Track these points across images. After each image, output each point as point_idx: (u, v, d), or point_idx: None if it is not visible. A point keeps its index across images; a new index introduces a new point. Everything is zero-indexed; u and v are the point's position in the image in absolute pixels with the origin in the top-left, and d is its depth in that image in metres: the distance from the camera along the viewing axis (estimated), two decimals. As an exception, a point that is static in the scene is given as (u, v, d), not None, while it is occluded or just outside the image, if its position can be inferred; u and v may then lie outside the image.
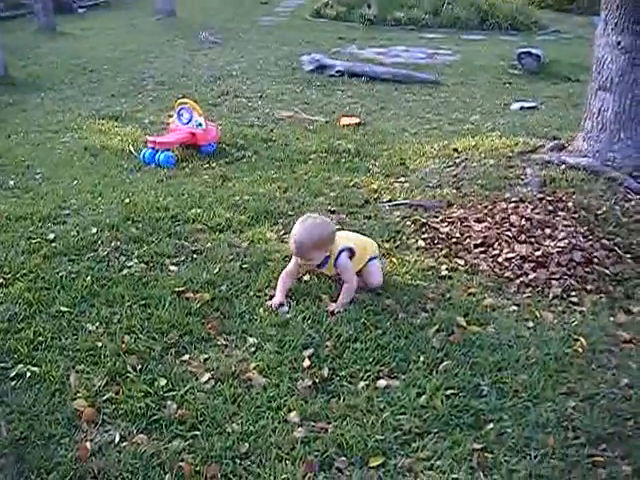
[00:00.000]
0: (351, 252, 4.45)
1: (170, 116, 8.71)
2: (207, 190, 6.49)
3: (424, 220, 5.78)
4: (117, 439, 3.21)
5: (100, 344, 3.91)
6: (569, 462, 3.10)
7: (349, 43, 16.91)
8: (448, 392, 3.52)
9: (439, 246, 5.35)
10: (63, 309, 4.28)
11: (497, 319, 4.30)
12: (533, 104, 10.74)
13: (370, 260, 4.61)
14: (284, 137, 8.66)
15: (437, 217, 5.90)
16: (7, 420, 3.34)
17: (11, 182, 6.95)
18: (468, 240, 5.39)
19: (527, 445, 3.20)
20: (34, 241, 5.22)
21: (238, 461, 3.07)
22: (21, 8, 21.51)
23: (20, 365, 3.73)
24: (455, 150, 7.82)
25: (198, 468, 3.03)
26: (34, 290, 4.48)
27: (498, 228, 5.49)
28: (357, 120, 9.55)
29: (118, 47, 16.45)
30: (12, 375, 3.66)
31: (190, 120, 7.92)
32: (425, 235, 5.54)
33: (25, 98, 11.62)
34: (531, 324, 4.26)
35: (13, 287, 4.53)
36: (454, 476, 2.99)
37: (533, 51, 13.40)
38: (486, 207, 5.97)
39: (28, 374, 3.65)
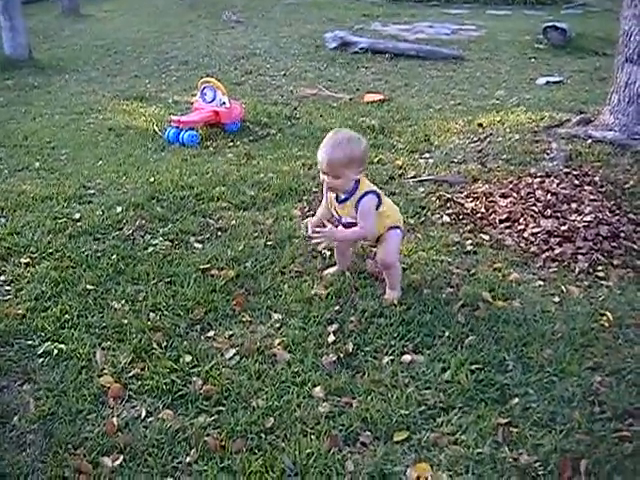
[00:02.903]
0: (379, 200, 3.98)
1: (194, 95, 8.72)
2: (231, 168, 6.50)
3: (449, 196, 5.76)
4: (143, 415, 3.24)
5: (126, 321, 3.95)
6: (595, 437, 3.07)
7: (372, 20, 16.80)
8: (473, 367, 3.51)
9: (464, 221, 5.32)
10: (89, 287, 4.32)
11: (523, 294, 4.27)
12: (559, 78, 10.61)
13: (391, 229, 4.12)
14: (308, 115, 8.65)
15: (462, 192, 5.87)
16: (35, 397, 3.38)
17: (37, 163, 7.00)
18: (493, 215, 5.36)
19: (552, 420, 3.18)
20: (60, 221, 5.27)
21: (263, 436, 3.09)
22: (45, -9, 21.55)
23: (47, 343, 3.76)
24: (480, 125, 7.78)
25: (223, 443, 3.04)
26: (60, 269, 4.52)
27: (523, 203, 5.45)
28: (381, 97, 9.49)
29: (141, 28, 16.47)
30: (39, 353, 3.70)
31: (214, 99, 7.93)
32: (450, 210, 5.52)
33: (49, 80, 11.70)
34: (557, 299, 4.22)
35: (39, 266, 4.58)
36: (479, 450, 2.98)
37: (559, 25, 13.21)
38: (511, 182, 5.93)
39: (55, 351, 3.69)
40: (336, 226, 4.09)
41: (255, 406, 3.26)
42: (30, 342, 3.80)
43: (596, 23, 15.37)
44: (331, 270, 4.46)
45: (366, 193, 3.92)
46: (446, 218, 5.37)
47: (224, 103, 7.87)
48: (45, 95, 10.70)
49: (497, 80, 10.79)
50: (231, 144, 7.46)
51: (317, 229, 4.04)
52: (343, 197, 3.98)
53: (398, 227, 4.16)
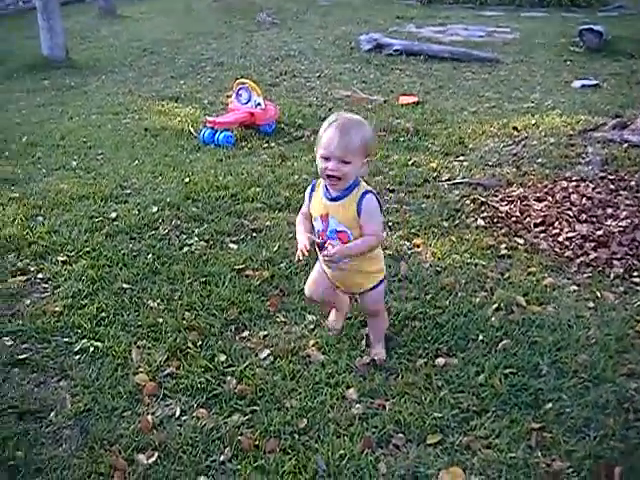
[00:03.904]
0: (379, 204, 3.45)
1: (229, 96, 8.77)
2: (266, 169, 6.54)
3: (483, 199, 5.75)
4: (178, 413, 3.27)
5: (161, 320, 3.98)
6: (629, 444, 3.05)
7: (407, 22, 16.77)
8: (507, 371, 3.50)
9: (498, 225, 5.31)
10: (125, 286, 4.37)
11: (557, 299, 4.25)
12: (595, 82, 10.52)
13: (382, 282, 3.64)
14: (342, 117, 8.63)
15: (497, 196, 5.86)
16: (71, 393, 3.42)
17: (74, 162, 7.08)
18: (528, 219, 5.34)
19: (586, 425, 3.15)
20: (96, 220, 5.33)
21: (297, 436, 3.10)
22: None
23: (84, 340, 3.81)
24: (515, 129, 7.76)
25: (257, 442, 3.06)
26: (97, 267, 4.58)
27: (558, 207, 5.43)
28: (415, 99, 9.49)
29: (177, 29, 16.58)
30: (76, 350, 3.75)
31: (249, 100, 7.97)
32: (484, 214, 5.51)
33: (86, 81, 11.84)
34: (592, 304, 4.19)
35: (77, 264, 4.63)
36: (512, 455, 2.97)
37: (595, 27, 13.10)
38: (546, 186, 5.91)
39: (91, 349, 3.73)
40: (321, 245, 3.47)
41: (289, 406, 3.27)
42: (67, 339, 3.85)
43: (633, 26, 15.22)
44: (330, 320, 3.96)
45: (367, 192, 3.37)
46: (480, 221, 5.36)
47: (259, 104, 7.91)
48: (82, 95, 10.82)
49: (532, 83, 10.73)
50: (266, 145, 7.49)
51: (327, 252, 3.39)
52: (338, 194, 3.38)
53: (385, 279, 3.68)
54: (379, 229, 3.46)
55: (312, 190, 3.54)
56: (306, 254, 3.37)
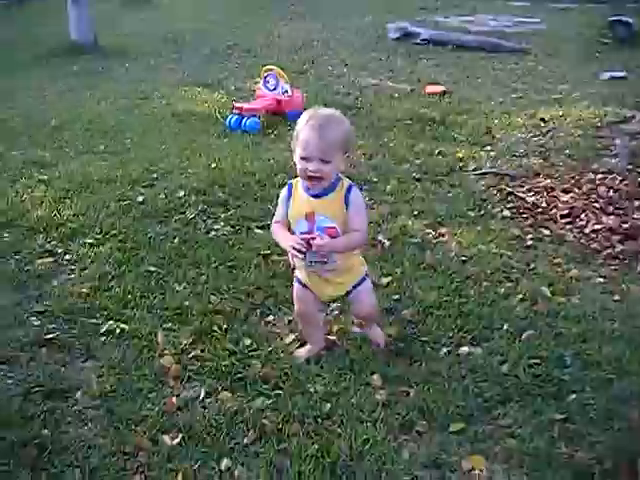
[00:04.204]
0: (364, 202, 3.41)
1: (256, 83, 8.78)
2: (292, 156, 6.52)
3: (510, 189, 5.74)
4: (202, 395, 3.29)
5: (187, 303, 4.01)
6: (653, 436, 3.05)
7: (434, 11, 16.70)
8: (531, 361, 3.49)
9: (524, 216, 5.30)
10: (151, 269, 4.40)
11: (582, 290, 4.23)
12: (623, 74, 10.42)
13: (365, 279, 3.52)
14: (369, 105, 8.66)
15: (523, 186, 5.84)
16: (97, 374, 3.45)
17: (101, 146, 7.13)
18: (554, 210, 5.33)
19: (610, 418, 3.13)
20: (124, 203, 5.37)
21: (320, 421, 3.11)
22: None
23: (110, 322, 3.85)
24: (542, 120, 7.73)
25: (281, 426, 3.07)
26: (124, 250, 4.62)
27: (585, 199, 5.41)
28: (442, 88, 9.45)
29: (204, 16, 16.62)
30: (102, 331, 3.79)
31: (276, 87, 7.98)
32: (511, 204, 5.50)
33: (114, 66, 11.89)
34: (617, 297, 4.17)
35: (104, 247, 4.68)
36: (534, 445, 2.96)
37: (624, 19, 12.98)
38: (573, 178, 5.89)
39: (117, 330, 3.78)
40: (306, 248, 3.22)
41: (313, 391, 3.28)
42: (93, 320, 3.89)
43: (663, 17, 15.06)
44: (303, 351, 3.62)
45: (352, 185, 3.29)
46: (506, 212, 5.35)
47: (286, 91, 7.92)
48: (109, 80, 10.87)
49: (560, 74, 10.66)
50: (292, 132, 7.46)
51: (317, 241, 3.18)
52: (320, 191, 3.23)
53: (368, 275, 3.55)
54: (365, 225, 3.35)
55: (289, 194, 3.36)
56: (303, 248, 3.19)
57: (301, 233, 3.24)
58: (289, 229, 3.36)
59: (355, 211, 3.25)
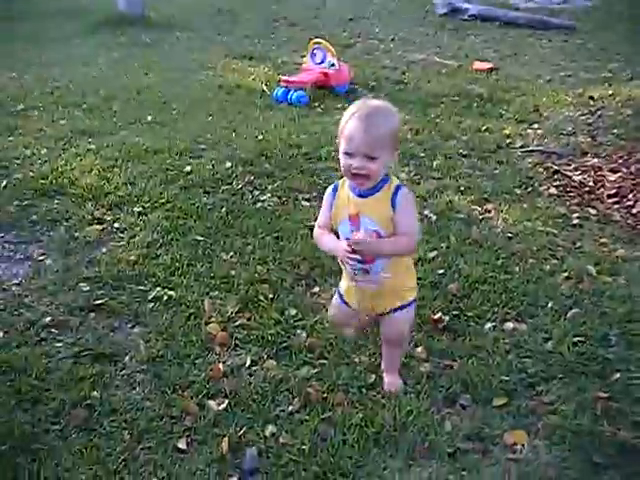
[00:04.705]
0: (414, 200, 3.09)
1: (303, 56, 8.78)
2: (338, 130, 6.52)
3: (557, 167, 5.70)
4: (248, 363, 3.33)
5: (234, 273, 4.05)
6: (698, 418, 3.02)
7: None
8: (575, 339, 3.47)
9: (571, 194, 5.26)
10: (199, 238, 4.45)
11: (628, 270, 4.20)
12: (677, 52, 10.25)
13: (413, 302, 3.18)
14: (416, 80, 8.62)
15: (570, 165, 5.80)
16: (145, 339, 3.51)
17: (149, 117, 7.17)
18: (601, 190, 5.29)
19: (654, 397, 3.12)
20: (171, 173, 5.42)
21: (364, 391, 3.14)
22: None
23: (158, 288, 3.91)
24: (591, 98, 7.64)
25: (325, 395, 3.10)
26: (171, 219, 4.67)
27: (633, 179, 5.36)
28: (490, 65, 9.38)
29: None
30: (150, 298, 3.85)
31: (323, 60, 7.97)
32: (557, 183, 5.46)
33: (162, 37, 11.93)
34: (664, 277, 4.13)
35: (152, 215, 4.73)
36: (577, 422, 2.95)
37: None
38: (621, 157, 5.83)
39: (165, 297, 3.83)
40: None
41: (357, 361, 3.31)
42: (141, 287, 3.94)
43: None
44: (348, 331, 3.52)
45: (400, 185, 2.96)
46: (553, 190, 5.32)
47: (333, 65, 7.90)
48: (157, 52, 10.93)
49: (609, 52, 10.51)
50: (339, 106, 7.47)
51: (356, 236, 2.88)
52: (366, 191, 2.94)
53: (413, 303, 3.19)
54: (415, 227, 3.00)
55: (334, 195, 3.10)
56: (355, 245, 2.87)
57: (346, 238, 2.93)
58: (335, 233, 3.09)
59: (403, 213, 2.90)
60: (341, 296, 3.31)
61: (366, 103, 2.92)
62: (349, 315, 3.37)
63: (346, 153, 2.87)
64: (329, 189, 3.14)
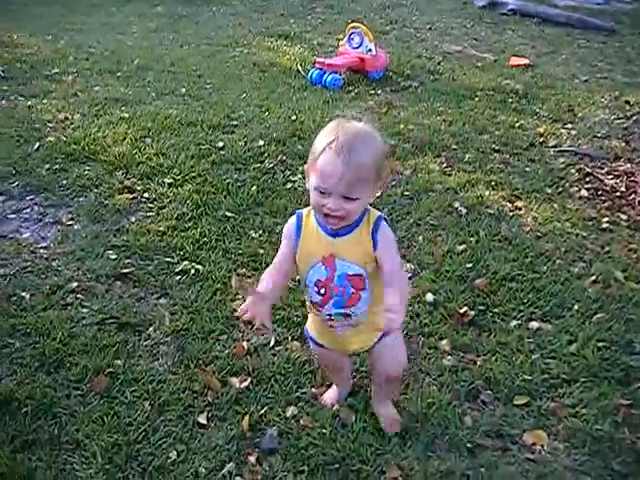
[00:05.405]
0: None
1: (339, 39, 8.74)
2: (372, 115, 6.46)
3: (589, 170, 5.64)
4: (272, 343, 3.33)
5: (262, 251, 4.06)
6: None
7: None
8: (600, 344, 3.44)
9: (602, 198, 5.21)
10: (228, 214, 4.46)
11: (657, 279, 4.16)
12: None
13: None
14: (451, 71, 8.55)
15: (603, 168, 5.73)
16: (170, 311, 3.53)
17: (183, 89, 7.17)
18: (633, 195, 5.22)
19: (677, 409, 3.10)
20: (203, 147, 5.42)
21: (387, 379, 3.13)
22: None
23: (185, 262, 3.92)
24: (627, 102, 7.55)
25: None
26: (202, 193, 4.67)
27: (666, 187, 5.30)
28: (526, 61, 9.29)
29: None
30: (177, 270, 3.86)
31: (360, 45, 7.92)
32: (589, 185, 5.40)
33: (197, 11, 11.93)
34: (693, 289, 4.09)
35: (182, 188, 4.74)
36: (598, 427, 2.93)
37: None
38: (656, 164, 5.76)
39: (192, 271, 3.84)
40: (319, 303, 2.51)
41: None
42: (169, 259, 3.96)
43: None
44: (331, 395, 3.03)
45: (381, 217, 2.44)
46: (584, 192, 5.26)
47: (370, 50, 7.86)
48: (193, 25, 10.92)
49: (649, 57, 10.38)
50: (372, 92, 7.45)
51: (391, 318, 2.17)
52: (344, 228, 2.40)
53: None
54: (400, 259, 2.56)
55: (298, 229, 2.50)
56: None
57: (317, 282, 2.46)
58: (297, 278, 2.61)
59: (386, 248, 2.40)
60: (313, 340, 2.79)
61: (344, 129, 2.27)
62: (334, 356, 2.83)
63: (320, 191, 2.28)
64: (290, 222, 2.53)
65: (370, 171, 2.26)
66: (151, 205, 4.56)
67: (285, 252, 2.50)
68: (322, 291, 2.47)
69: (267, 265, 3.52)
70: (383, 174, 2.36)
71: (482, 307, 3.69)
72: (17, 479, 2.53)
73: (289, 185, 4.91)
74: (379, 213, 2.44)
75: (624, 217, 4.91)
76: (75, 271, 3.82)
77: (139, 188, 4.75)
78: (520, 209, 4.86)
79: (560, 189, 5.28)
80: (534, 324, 3.60)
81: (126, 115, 6.07)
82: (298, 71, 8.09)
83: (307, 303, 2.64)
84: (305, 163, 2.37)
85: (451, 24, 11.63)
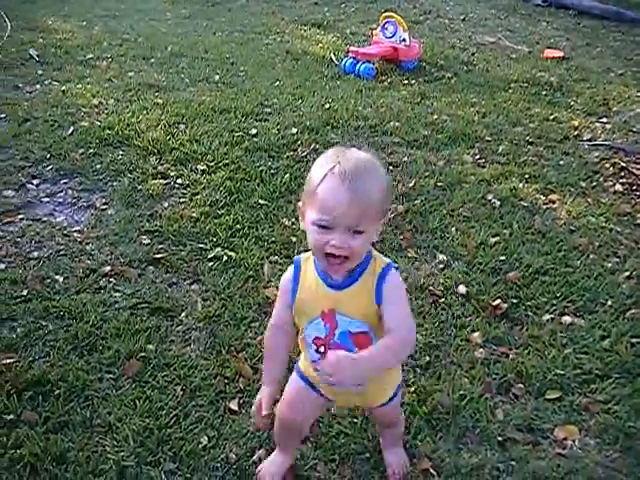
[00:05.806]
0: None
1: (373, 29, 8.70)
2: (405, 105, 6.49)
3: (624, 164, 5.58)
4: (303, 332, 3.32)
5: (294, 239, 4.06)
6: None
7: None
8: (633, 340, 3.40)
9: (637, 193, 5.15)
10: (261, 202, 4.46)
11: (693, 276, 4.12)
12: None
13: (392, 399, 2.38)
14: (485, 62, 8.49)
15: (638, 163, 5.67)
16: (202, 297, 3.54)
17: (216, 76, 7.19)
18: (668, 191, 5.17)
19: None
20: (237, 134, 5.43)
21: (419, 371, 3.12)
22: None
23: (218, 248, 3.93)
24: (663, 97, 7.47)
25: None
26: (235, 180, 4.68)
27: None
28: (561, 54, 9.21)
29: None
30: (210, 256, 3.87)
31: (394, 34, 7.89)
32: (623, 180, 5.35)
33: (233, -2, 11.91)
34: None
35: (215, 175, 4.75)
36: (630, 424, 2.90)
37: None
38: (693, 161, 5.69)
39: (225, 258, 3.84)
40: (322, 352, 2.14)
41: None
42: (202, 245, 3.97)
43: None
44: (270, 467, 2.58)
45: (389, 266, 2.08)
46: (619, 187, 5.21)
47: (404, 40, 7.82)
48: (226, 12, 10.93)
49: (687, 52, 10.25)
50: (406, 82, 7.42)
51: (325, 361, 1.91)
52: (345, 279, 2.06)
53: (400, 386, 2.44)
54: (411, 318, 2.10)
55: (295, 280, 2.18)
56: (261, 426, 2.39)
57: (316, 339, 2.15)
58: (297, 332, 2.27)
59: (394, 303, 2.05)
60: (304, 377, 2.39)
61: (345, 155, 1.97)
62: (314, 407, 2.46)
63: (321, 226, 1.94)
64: (287, 273, 2.23)
65: (377, 201, 1.95)
66: (184, 191, 4.57)
67: (282, 307, 2.24)
68: (321, 349, 2.15)
69: (299, 253, 3.55)
70: (387, 208, 2.08)
71: (515, 300, 3.66)
72: (50, 460, 2.55)
73: (322, 174, 4.89)
74: (388, 260, 2.11)
75: (659, 213, 4.86)
76: (108, 255, 3.84)
77: (172, 174, 4.77)
78: (554, 202, 4.82)
79: (594, 183, 5.23)
80: (567, 318, 3.56)
81: (160, 101, 6.09)
82: (331, 60, 8.09)
83: (302, 355, 2.37)
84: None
85: (485, 15, 11.56)
